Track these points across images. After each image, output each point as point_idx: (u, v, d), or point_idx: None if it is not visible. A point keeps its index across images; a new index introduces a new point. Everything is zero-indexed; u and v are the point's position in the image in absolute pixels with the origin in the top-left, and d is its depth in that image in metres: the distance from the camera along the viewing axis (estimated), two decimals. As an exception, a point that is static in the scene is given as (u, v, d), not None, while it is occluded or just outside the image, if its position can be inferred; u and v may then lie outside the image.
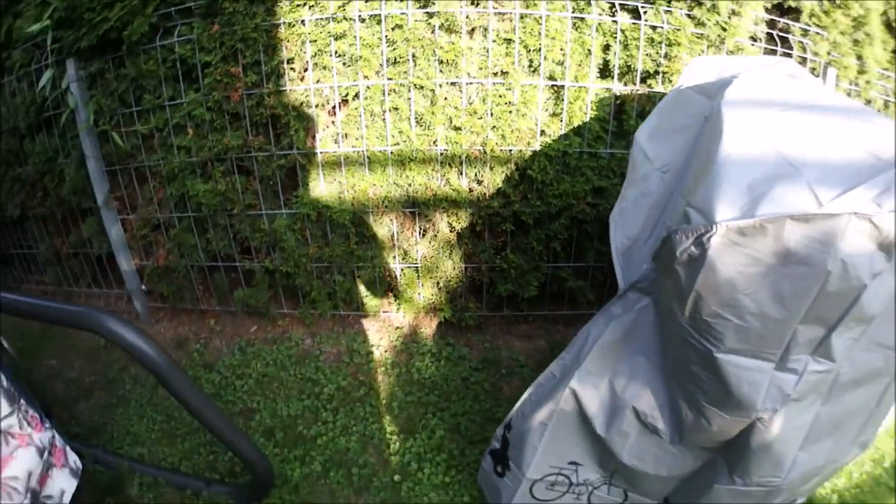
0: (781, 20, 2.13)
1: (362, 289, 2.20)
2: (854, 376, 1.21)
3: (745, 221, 1.01)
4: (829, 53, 2.19)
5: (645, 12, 1.88)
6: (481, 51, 1.88)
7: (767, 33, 2.09)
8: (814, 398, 1.22)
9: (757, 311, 1.08)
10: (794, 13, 2.14)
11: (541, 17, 1.83)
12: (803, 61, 2.13)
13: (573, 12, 1.86)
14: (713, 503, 1.46)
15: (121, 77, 2.11)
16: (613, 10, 1.89)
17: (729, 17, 1.94)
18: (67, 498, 1.59)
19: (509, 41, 1.86)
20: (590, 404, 1.41)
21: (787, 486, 1.40)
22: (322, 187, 2.08)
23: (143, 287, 2.39)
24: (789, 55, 2.10)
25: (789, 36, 2.11)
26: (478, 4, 1.84)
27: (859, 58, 2.24)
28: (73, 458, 1.65)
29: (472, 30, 1.88)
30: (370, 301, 2.20)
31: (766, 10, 2.09)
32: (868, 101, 2.33)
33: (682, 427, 1.33)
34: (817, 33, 2.14)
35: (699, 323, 1.13)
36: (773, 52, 2.08)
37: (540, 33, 1.85)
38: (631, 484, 1.57)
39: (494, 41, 1.86)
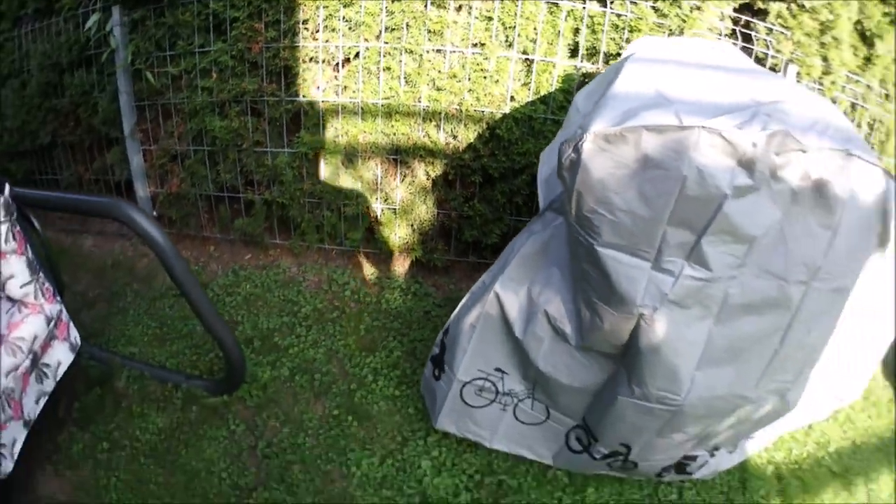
0: (748, 18, 2.33)
1: (346, 225, 2.48)
2: (745, 301, 1.42)
3: (609, 130, 1.29)
4: (792, 52, 2.40)
5: (612, 2, 2.18)
6: (465, 25, 2.20)
7: (732, 29, 2.31)
8: (700, 311, 1.42)
9: (626, 209, 1.33)
10: (763, 14, 2.37)
11: (518, 0, 2.15)
12: (764, 57, 2.34)
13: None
14: (622, 421, 1.67)
15: (160, 24, 2.45)
16: (584, -2, 2.21)
17: (690, 11, 2.22)
18: (62, 370, 1.80)
19: (489, 18, 2.19)
20: (510, 308, 1.65)
21: (690, 411, 1.58)
22: (321, 131, 2.39)
23: (155, 213, 2.69)
24: (750, 50, 2.31)
25: (752, 33, 2.32)
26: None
27: (825, 59, 2.44)
28: (75, 335, 1.87)
29: (460, 7, 2.21)
30: (352, 236, 2.48)
31: (735, 9, 2.31)
32: (833, 101, 2.50)
33: (582, 329, 1.57)
34: (781, 32, 2.36)
35: (582, 219, 1.40)
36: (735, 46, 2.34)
37: (516, 14, 2.17)
38: (550, 398, 1.79)
39: (477, 17, 2.19)
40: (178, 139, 2.56)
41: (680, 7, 2.21)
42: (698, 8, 2.24)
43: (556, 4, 2.19)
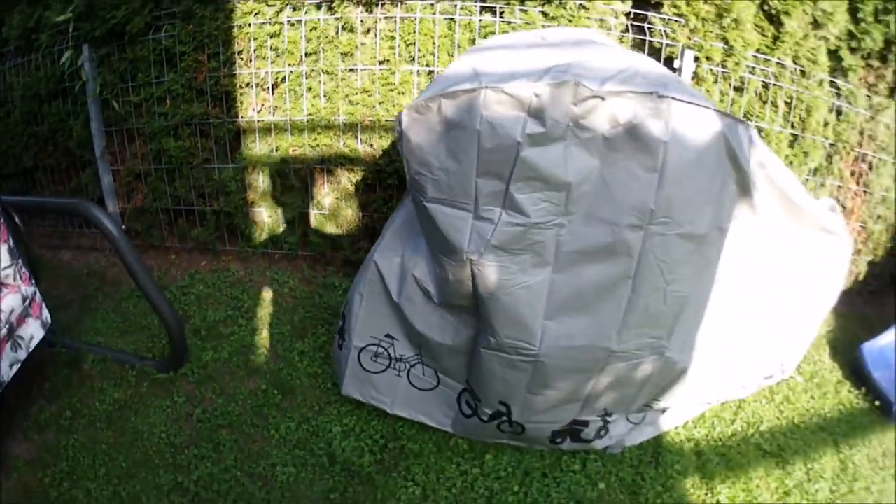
0: (644, 12, 2.49)
1: (285, 230, 2.82)
2: (579, 247, 1.62)
3: (417, 101, 1.59)
4: (689, 38, 2.54)
5: (503, 12, 2.49)
6: (372, 45, 2.54)
7: (626, 24, 2.52)
8: (534, 258, 1.63)
9: (441, 167, 1.62)
10: (658, 6, 2.54)
11: (416, 19, 2.49)
12: (661, 46, 2.50)
13: (442, 14, 2.50)
14: (493, 376, 1.85)
15: (122, 59, 2.84)
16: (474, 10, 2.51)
17: (577, 10, 2.46)
18: (34, 343, 2.12)
19: (392, 38, 2.53)
20: (388, 275, 1.93)
21: (552, 363, 1.76)
22: (258, 147, 2.74)
23: (123, 226, 3.06)
24: (647, 42, 2.50)
25: (646, 25, 2.50)
26: (371, 11, 2.51)
27: (726, 42, 2.55)
28: (46, 315, 2.21)
29: (367, 30, 2.55)
30: (290, 240, 2.81)
31: (633, 4, 2.51)
32: (741, 81, 2.64)
33: (437, 284, 1.85)
34: (676, 21, 2.53)
35: (412, 181, 1.69)
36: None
37: (415, 31, 2.50)
38: (436, 362, 2.02)
39: (381, 38, 2.53)
40: (140, 159, 2.93)
41: (565, 8, 2.45)
42: (584, 7, 2.48)
43: (452, 19, 2.52)
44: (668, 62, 2.56)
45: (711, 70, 2.64)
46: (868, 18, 2.72)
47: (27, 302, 2.09)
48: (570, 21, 2.50)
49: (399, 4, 2.50)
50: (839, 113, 2.91)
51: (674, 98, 1.50)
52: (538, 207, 1.59)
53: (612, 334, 1.74)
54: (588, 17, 2.51)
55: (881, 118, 3.03)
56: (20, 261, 2.06)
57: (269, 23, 2.60)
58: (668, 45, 2.56)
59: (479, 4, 2.50)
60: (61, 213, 2.28)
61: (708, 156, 1.59)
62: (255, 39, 2.63)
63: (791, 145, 2.86)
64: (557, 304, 1.71)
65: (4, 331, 1.98)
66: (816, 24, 2.68)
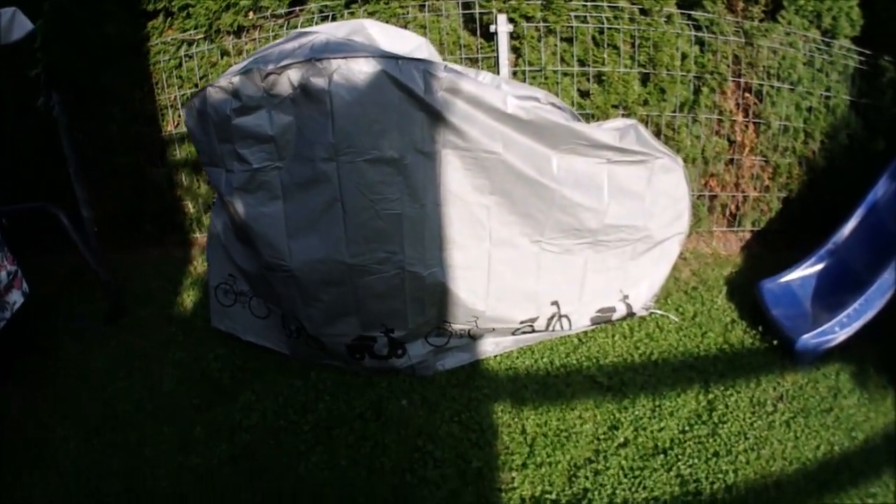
0: None
1: (205, 217, 3.57)
2: (296, 181, 2.15)
3: (195, 94, 2.24)
4: (504, 2, 2.88)
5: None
6: (242, 64, 3.26)
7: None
8: (267, 194, 2.19)
9: (200, 139, 2.33)
10: None
11: (270, 38, 3.18)
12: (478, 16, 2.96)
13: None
14: (277, 289, 2.34)
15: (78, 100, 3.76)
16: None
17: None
18: (18, 306, 2.93)
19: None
20: (219, 225, 2.50)
21: (306, 276, 2.21)
22: (178, 153, 3.54)
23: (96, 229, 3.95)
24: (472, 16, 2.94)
25: None
26: (240, 37, 3.24)
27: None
28: (26, 287, 3.04)
29: (240, 51, 3.28)
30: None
31: None
32: (574, 31, 2.94)
33: (233, 224, 2.42)
34: None
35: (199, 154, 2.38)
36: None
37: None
38: (259, 291, 2.53)
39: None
40: (103, 173, 3.81)
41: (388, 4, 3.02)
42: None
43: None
44: (488, 28, 2.96)
45: (536, 27, 2.99)
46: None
47: (11, 277, 2.94)
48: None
49: (258, 30, 3.20)
50: (702, 44, 2.99)
51: (331, 58, 2.00)
52: (257, 157, 2.18)
53: (341, 248, 2.19)
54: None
55: (763, 43, 2.99)
56: (5, 248, 2.93)
57: (173, 57, 3.40)
58: (483, 13, 2.98)
59: (317, 16, 3.16)
60: (30, 213, 3.18)
61: (372, 93, 1.99)
62: (165, 72, 3.44)
63: (644, 84, 3.05)
64: (294, 227, 2.20)
65: None
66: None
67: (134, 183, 3.68)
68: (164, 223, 3.69)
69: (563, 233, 2.39)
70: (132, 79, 3.52)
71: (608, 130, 2.40)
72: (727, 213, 3.25)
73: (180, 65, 3.39)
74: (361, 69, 2.00)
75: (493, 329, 2.47)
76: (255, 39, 3.22)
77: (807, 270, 2.83)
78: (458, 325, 2.44)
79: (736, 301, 2.82)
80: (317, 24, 3.10)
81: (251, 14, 3.21)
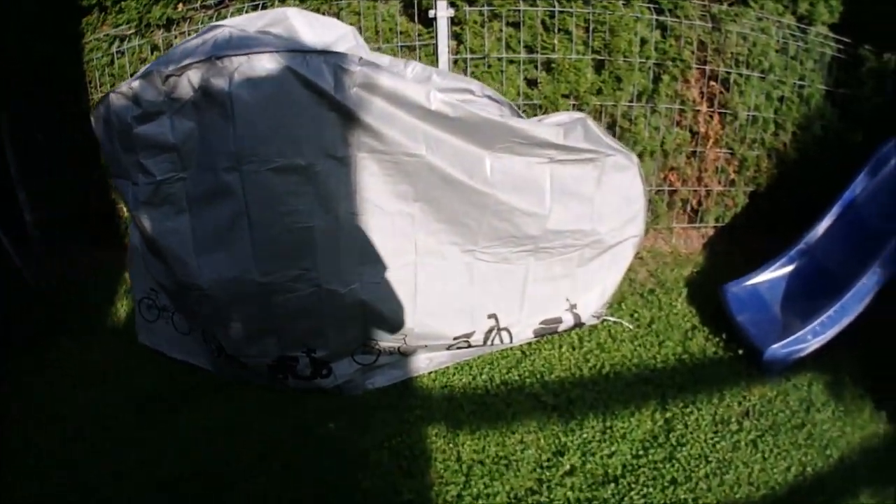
0: None
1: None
2: (199, 192, 1.98)
3: (122, 87, 2.01)
4: None
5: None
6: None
7: None
8: (173, 208, 2.02)
9: (106, 150, 2.16)
10: None
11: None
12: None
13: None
14: (196, 309, 2.18)
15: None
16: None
17: None
18: None
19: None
20: (137, 238, 2.34)
21: (219, 294, 2.04)
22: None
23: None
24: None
25: None
26: (170, 30, 3.06)
27: None
28: None
29: (168, 45, 3.08)
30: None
31: None
32: (517, 15, 2.73)
33: (146, 239, 2.26)
34: None
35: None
36: None
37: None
38: (180, 306, 2.37)
39: (178, 53, 3.04)
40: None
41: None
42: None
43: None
44: (427, 13, 2.73)
45: (480, 11, 2.77)
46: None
47: None
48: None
49: (188, 22, 3.00)
50: (664, 29, 2.80)
51: (231, 56, 1.80)
52: (160, 167, 2.00)
53: (251, 266, 2.00)
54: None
55: (732, 28, 2.79)
56: None
57: (105, 54, 3.21)
58: None
59: (248, 5, 2.95)
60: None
61: (277, 94, 1.80)
62: (98, 69, 3.24)
63: (598, 72, 2.84)
64: (202, 243, 2.03)
65: None
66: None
67: (74, 186, 3.51)
68: (105, 227, 3.52)
69: (499, 241, 2.21)
70: (70, 77, 3.33)
71: (551, 126, 2.20)
72: (688, 208, 3.07)
73: (112, 62, 3.20)
74: (264, 67, 1.81)
75: (426, 346, 2.29)
76: (184, 32, 3.02)
77: (776, 272, 2.66)
78: (386, 342, 2.27)
79: (697, 305, 2.62)
80: (247, 13, 2.89)
81: (181, 6, 3.00)
